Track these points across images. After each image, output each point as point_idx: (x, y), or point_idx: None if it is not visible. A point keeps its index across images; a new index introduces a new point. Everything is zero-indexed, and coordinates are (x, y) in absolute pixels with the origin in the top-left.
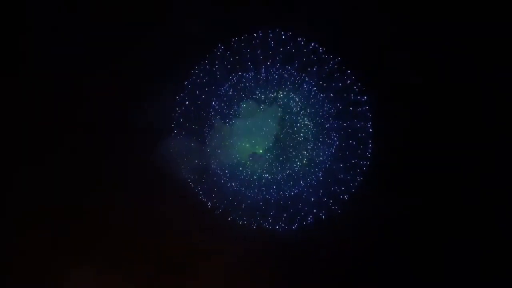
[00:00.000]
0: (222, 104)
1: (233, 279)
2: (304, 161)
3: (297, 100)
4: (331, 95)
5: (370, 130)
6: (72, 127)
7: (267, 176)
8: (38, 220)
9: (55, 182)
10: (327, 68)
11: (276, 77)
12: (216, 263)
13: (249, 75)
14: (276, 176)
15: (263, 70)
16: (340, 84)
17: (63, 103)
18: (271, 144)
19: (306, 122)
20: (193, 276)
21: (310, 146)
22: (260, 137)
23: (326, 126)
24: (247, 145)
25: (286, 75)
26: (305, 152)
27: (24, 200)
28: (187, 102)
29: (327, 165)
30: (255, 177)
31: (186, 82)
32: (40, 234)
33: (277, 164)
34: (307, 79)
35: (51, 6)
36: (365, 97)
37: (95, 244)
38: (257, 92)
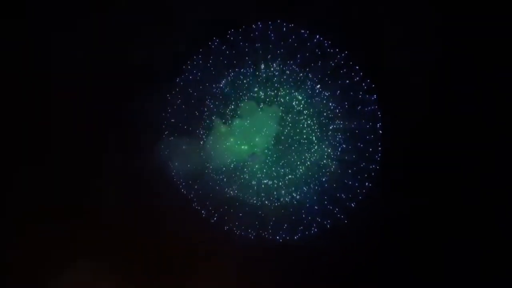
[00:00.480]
0: (218, 103)
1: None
2: (307, 165)
3: (300, 98)
4: (337, 93)
5: (380, 131)
6: (66, 127)
7: (267, 181)
8: (38, 220)
9: (54, 182)
10: (332, 63)
11: (277, 73)
12: (215, 265)
13: (247, 71)
14: (276, 181)
15: (262, 66)
16: (346, 81)
17: (60, 102)
18: (271, 147)
19: (309, 122)
20: (192, 278)
21: (313, 148)
22: (259, 139)
23: (331, 127)
24: (245, 148)
25: (287, 72)
26: (308, 155)
27: (24, 200)
28: (179, 101)
29: (332, 169)
30: (254, 182)
31: (177, 79)
32: (40, 234)
33: (278, 168)
34: (310, 75)
35: (48, 7)
36: (374, 96)
37: (94, 244)
38: (256, 90)
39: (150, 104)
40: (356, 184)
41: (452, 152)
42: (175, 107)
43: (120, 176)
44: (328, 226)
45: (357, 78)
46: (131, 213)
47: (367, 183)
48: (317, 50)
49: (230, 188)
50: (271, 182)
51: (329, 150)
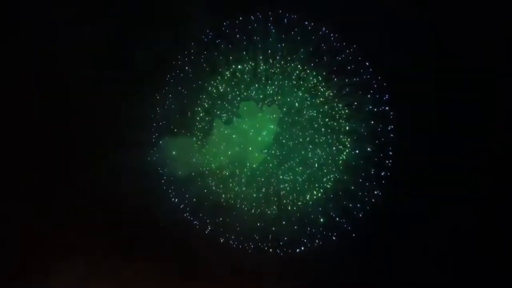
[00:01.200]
0: (212, 103)
1: None
2: (310, 170)
3: (302, 97)
4: (343, 92)
5: (391, 134)
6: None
7: (267, 188)
8: (38, 220)
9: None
10: (339, 58)
11: (278, 70)
12: (209, 281)
13: (245, 67)
14: (277, 188)
15: (261, 61)
16: (355, 79)
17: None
18: (271, 151)
19: (313, 124)
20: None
21: (317, 152)
22: (258, 142)
23: (337, 128)
24: (243, 151)
25: (289, 69)
26: (312, 160)
27: (24, 200)
28: (170, 100)
29: (337, 175)
30: (252, 189)
31: (168, 77)
32: (40, 234)
33: (278, 173)
34: (314, 72)
35: (43, 7)
36: (387, 95)
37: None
38: (255, 88)
39: (139, 105)
40: (365, 193)
41: (473, 159)
42: (166, 107)
43: (107, 181)
44: (334, 238)
45: (367, 75)
46: (115, 223)
47: (377, 192)
48: (322, 45)
49: (227, 196)
50: (271, 189)
51: (334, 154)
